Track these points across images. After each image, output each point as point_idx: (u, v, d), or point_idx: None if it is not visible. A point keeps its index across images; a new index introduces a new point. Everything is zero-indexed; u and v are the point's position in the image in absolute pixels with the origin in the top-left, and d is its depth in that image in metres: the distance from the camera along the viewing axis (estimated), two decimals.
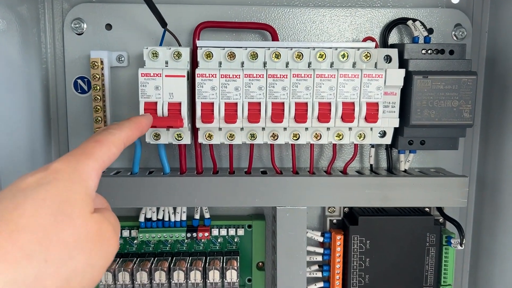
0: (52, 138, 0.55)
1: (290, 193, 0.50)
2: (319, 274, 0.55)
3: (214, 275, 0.52)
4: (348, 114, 0.47)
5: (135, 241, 0.55)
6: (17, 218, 0.23)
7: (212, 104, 0.46)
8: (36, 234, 0.22)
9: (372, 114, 0.47)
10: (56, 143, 0.55)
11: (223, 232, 0.55)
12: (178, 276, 0.51)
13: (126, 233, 0.54)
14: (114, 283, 0.52)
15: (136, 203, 0.49)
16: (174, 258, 0.54)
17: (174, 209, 0.54)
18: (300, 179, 0.50)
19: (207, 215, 0.55)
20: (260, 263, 0.56)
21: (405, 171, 0.55)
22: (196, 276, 0.52)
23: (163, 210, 0.54)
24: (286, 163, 0.57)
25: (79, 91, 0.54)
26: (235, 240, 0.56)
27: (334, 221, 0.56)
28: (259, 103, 0.46)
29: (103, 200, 0.33)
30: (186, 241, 0.55)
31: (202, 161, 0.54)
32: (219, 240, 0.56)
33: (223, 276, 0.52)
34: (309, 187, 0.50)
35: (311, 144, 0.52)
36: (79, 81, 0.54)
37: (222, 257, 0.54)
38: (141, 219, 0.54)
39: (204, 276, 0.52)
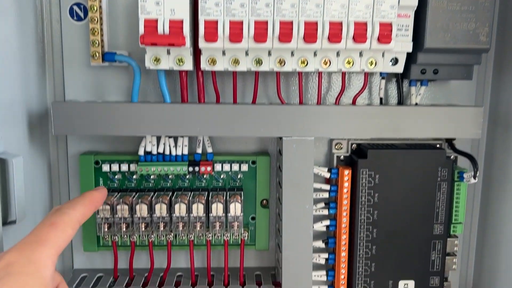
0: (47, 68, 0.52)
1: (296, 123, 0.48)
2: (325, 212, 0.53)
3: (217, 208, 0.50)
4: (360, 34, 0.44)
5: (134, 176, 0.53)
6: None
7: (216, 22, 0.43)
8: None
9: (385, 34, 0.44)
10: (51, 73, 0.52)
11: (227, 167, 0.53)
12: (180, 209, 0.49)
13: (124, 167, 0.52)
14: (112, 216, 0.49)
15: (136, 131, 0.47)
16: (176, 192, 0.52)
17: (175, 142, 0.52)
18: (307, 108, 0.48)
19: (209, 149, 0.52)
20: (264, 201, 0.54)
21: (416, 105, 0.53)
22: (198, 209, 0.50)
23: (164, 144, 0.52)
24: (293, 98, 0.54)
25: (75, 18, 0.51)
26: (239, 176, 0.54)
27: (342, 157, 0.54)
28: (266, 22, 0.44)
29: (58, 277, 0.34)
30: (187, 176, 0.53)
31: (205, 93, 0.51)
32: (222, 177, 0.54)
33: (226, 209, 0.50)
34: (317, 117, 0.48)
35: (319, 73, 0.50)
36: (75, 7, 0.51)
37: (225, 192, 0.52)
38: (141, 152, 0.51)
39: (207, 210, 0.50)
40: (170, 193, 0.52)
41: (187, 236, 0.52)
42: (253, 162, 0.54)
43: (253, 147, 0.56)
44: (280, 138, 0.49)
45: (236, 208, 0.50)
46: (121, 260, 0.54)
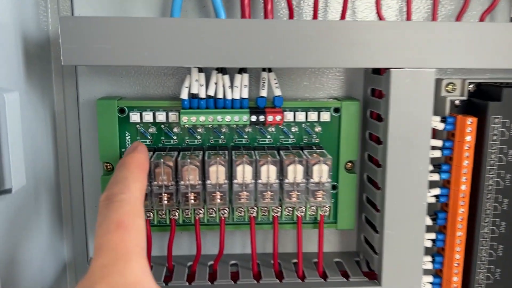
0: None
1: (411, 47, 0.33)
2: (436, 177, 0.38)
3: (296, 172, 0.35)
4: None
5: (174, 129, 0.38)
6: None
7: None
8: None
9: None
10: None
11: (300, 117, 0.38)
12: (244, 171, 0.35)
13: (161, 117, 0.37)
14: (149, 184, 0.35)
15: (178, 60, 0.32)
16: (233, 152, 0.37)
17: (232, 81, 0.37)
18: (425, 25, 0.33)
19: (277, 92, 0.38)
20: (349, 164, 0.40)
21: None
22: (270, 172, 0.35)
23: (216, 83, 0.37)
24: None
25: None
26: (316, 130, 0.39)
27: (457, 102, 0.39)
28: None
29: None
30: (247, 129, 0.39)
31: (273, 7, 0.36)
32: (293, 130, 0.39)
33: (307, 172, 0.36)
34: (441, 39, 0.33)
35: None
36: None
37: (300, 151, 0.37)
38: (184, 95, 0.37)
39: (282, 173, 0.36)
40: (226, 153, 0.37)
41: (246, 211, 0.38)
42: (336, 110, 0.39)
43: (331, 91, 0.41)
44: (377, 72, 0.34)
45: (322, 171, 0.36)
46: (154, 246, 0.40)
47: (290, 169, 0.35)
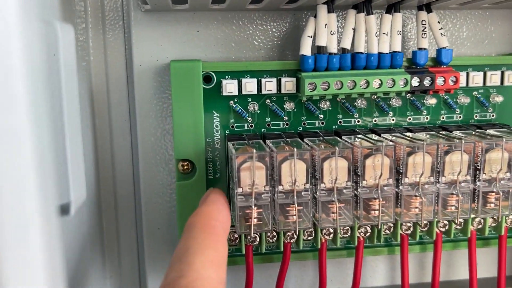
0: None
1: None
2: None
3: (500, 162, 0.22)
4: None
5: (286, 106, 0.25)
6: None
7: None
8: None
9: None
10: None
11: (477, 79, 0.25)
12: (420, 164, 0.22)
13: (270, 86, 0.24)
14: (258, 195, 0.21)
15: None
16: (382, 135, 0.24)
17: (378, 26, 0.24)
18: None
19: (443, 41, 0.25)
20: None
21: None
22: (462, 164, 0.22)
23: (353, 30, 0.23)
24: None
25: None
26: (494, 100, 0.26)
27: None
28: None
29: None
30: (394, 103, 0.25)
31: None
32: (460, 101, 0.26)
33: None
34: None
35: None
36: None
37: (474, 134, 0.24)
38: (306, 50, 0.23)
39: (472, 166, 0.23)
40: (373, 137, 0.24)
41: (399, 226, 0.24)
42: None
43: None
44: None
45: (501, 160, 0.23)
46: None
47: (489, 158, 0.22)
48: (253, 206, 0.21)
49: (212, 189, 0.23)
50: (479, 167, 0.22)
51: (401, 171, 0.22)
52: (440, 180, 0.22)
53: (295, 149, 0.21)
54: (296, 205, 0.21)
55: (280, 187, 0.21)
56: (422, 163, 0.22)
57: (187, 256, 0.18)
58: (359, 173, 0.22)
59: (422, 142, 0.22)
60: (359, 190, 0.22)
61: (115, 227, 0.28)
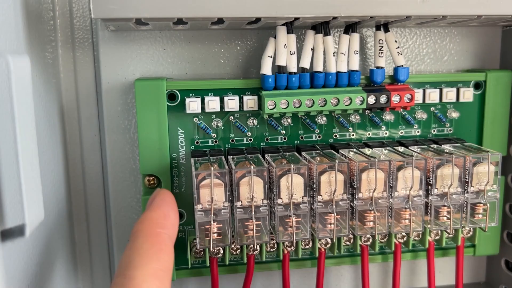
0: None
1: None
2: None
3: (450, 177, 0.23)
4: None
5: (250, 122, 0.26)
6: None
7: None
8: None
9: None
10: None
11: (433, 96, 0.26)
12: (373, 180, 0.23)
13: (232, 104, 0.25)
14: (228, 207, 0.22)
15: (255, 9, 0.20)
16: (340, 151, 0.25)
17: (338, 50, 0.25)
18: None
19: (400, 60, 0.26)
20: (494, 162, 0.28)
21: None
22: (413, 179, 0.23)
23: (312, 50, 0.24)
24: None
25: None
26: (451, 115, 0.27)
27: None
28: None
29: None
30: (353, 119, 0.26)
31: None
32: (418, 117, 0.27)
33: (464, 178, 0.24)
34: None
35: None
36: None
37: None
38: (266, 69, 0.24)
39: (425, 181, 0.24)
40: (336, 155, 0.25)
41: (359, 238, 0.26)
42: (478, 86, 0.27)
43: (456, 61, 0.29)
44: None
45: (488, 175, 0.24)
46: None
47: (441, 174, 0.23)
48: (212, 222, 0.22)
49: (159, 190, 0.23)
50: (431, 182, 0.23)
51: (355, 186, 0.23)
52: (393, 195, 0.23)
53: (253, 167, 0.22)
54: (254, 220, 0.22)
55: (239, 203, 0.22)
56: (374, 179, 0.23)
57: (129, 269, 0.18)
58: (315, 189, 0.23)
59: (374, 159, 0.23)
60: (315, 204, 0.23)
61: (87, 239, 0.29)
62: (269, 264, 0.27)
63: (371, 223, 0.23)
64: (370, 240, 0.26)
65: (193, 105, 0.25)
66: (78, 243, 0.29)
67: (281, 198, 0.23)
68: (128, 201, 0.28)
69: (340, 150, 0.25)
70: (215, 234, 0.22)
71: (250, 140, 0.26)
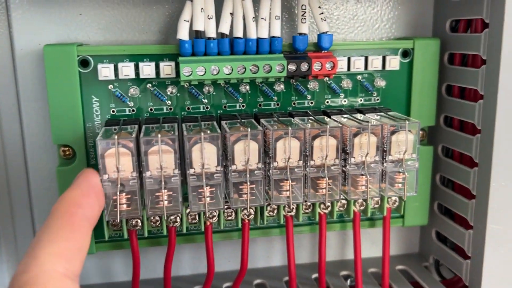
0: None
1: None
2: None
3: (367, 145, 0.23)
4: None
5: (169, 90, 0.25)
6: None
7: None
8: None
9: None
10: None
11: (358, 64, 0.26)
12: (288, 148, 0.22)
13: (148, 70, 0.24)
14: (137, 177, 0.21)
15: None
16: (261, 120, 0.24)
17: (256, 17, 0.24)
18: None
19: (324, 26, 0.25)
20: (422, 132, 0.28)
21: None
22: (329, 148, 0.22)
23: (231, 14, 0.24)
24: None
25: None
26: (377, 84, 0.27)
27: None
28: None
29: None
30: (278, 88, 0.26)
31: None
32: (344, 85, 0.26)
33: (382, 147, 0.23)
34: None
35: None
36: None
37: (362, 117, 0.25)
38: (183, 34, 0.23)
39: (342, 150, 0.23)
40: (250, 123, 0.24)
41: (283, 208, 0.25)
42: (406, 54, 0.27)
43: (388, 28, 0.29)
44: None
45: (406, 143, 0.23)
46: (144, 266, 0.27)
47: (358, 142, 0.23)
48: (118, 192, 0.21)
49: (84, 170, 0.22)
50: (348, 151, 0.23)
51: (270, 155, 0.22)
52: (308, 164, 0.23)
53: (160, 136, 0.21)
54: (165, 190, 0.22)
55: (148, 173, 0.22)
56: (288, 147, 0.22)
57: (35, 249, 0.17)
58: (229, 157, 0.22)
59: (289, 128, 0.22)
60: (229, 174, 0.22)
61: (10, 213, 0.28)
62: (193, 236, 0.27)
63: (287, 193, 0.23)
64: (294, 211, 0.26)
65: (105, 71, 0.23)
66: (1, 216, 0.28)
67: (194, 168, 0.22)
68: (47, 173, 0.27)
69: (261, 120, 0.24)
70: (124, 206, 0.22)
71: (170, 109, 0.25)
